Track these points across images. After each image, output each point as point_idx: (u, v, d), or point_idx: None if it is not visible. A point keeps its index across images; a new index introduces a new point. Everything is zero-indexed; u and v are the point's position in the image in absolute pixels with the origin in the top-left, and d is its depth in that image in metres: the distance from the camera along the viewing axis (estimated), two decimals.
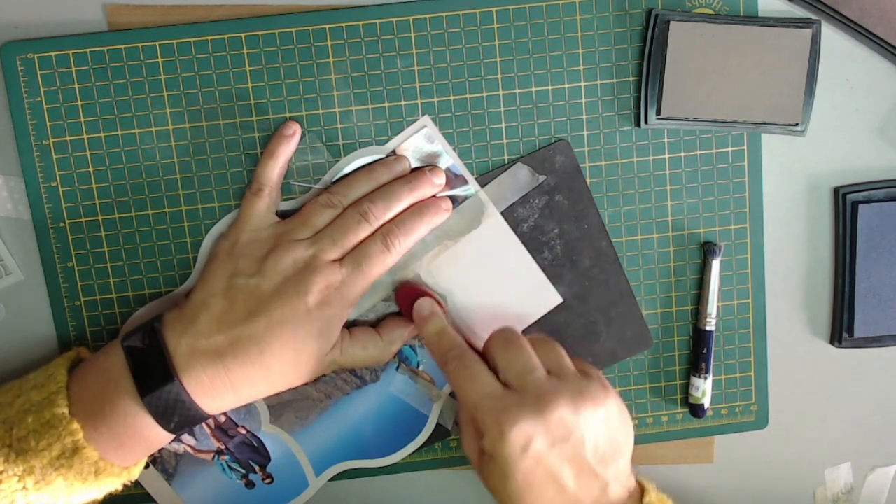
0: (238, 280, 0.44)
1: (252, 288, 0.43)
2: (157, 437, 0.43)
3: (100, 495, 0.43)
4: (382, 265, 0.45)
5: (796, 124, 0.48)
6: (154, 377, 0.42)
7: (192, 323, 0.43)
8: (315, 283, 0.43)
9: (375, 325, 0.48)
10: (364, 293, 0.45)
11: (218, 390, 0.42)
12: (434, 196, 0.47)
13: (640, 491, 0.43)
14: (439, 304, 0.47)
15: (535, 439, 0.40)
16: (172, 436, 0.43)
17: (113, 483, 0.43)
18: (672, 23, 0.46)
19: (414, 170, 0.47)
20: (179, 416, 0.42)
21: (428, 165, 0.47)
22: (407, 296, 0.48)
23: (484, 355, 0.45)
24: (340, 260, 0.44)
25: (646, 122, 0.47)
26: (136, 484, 0.48)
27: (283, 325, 0.42)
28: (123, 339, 0.43)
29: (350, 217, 0.45)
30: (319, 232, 0.45)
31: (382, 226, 0.45)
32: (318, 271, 0.43)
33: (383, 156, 0.47)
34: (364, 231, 0.45)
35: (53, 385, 0.42)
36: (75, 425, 0.41)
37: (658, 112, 0.47)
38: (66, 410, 0.41)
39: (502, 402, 0.42)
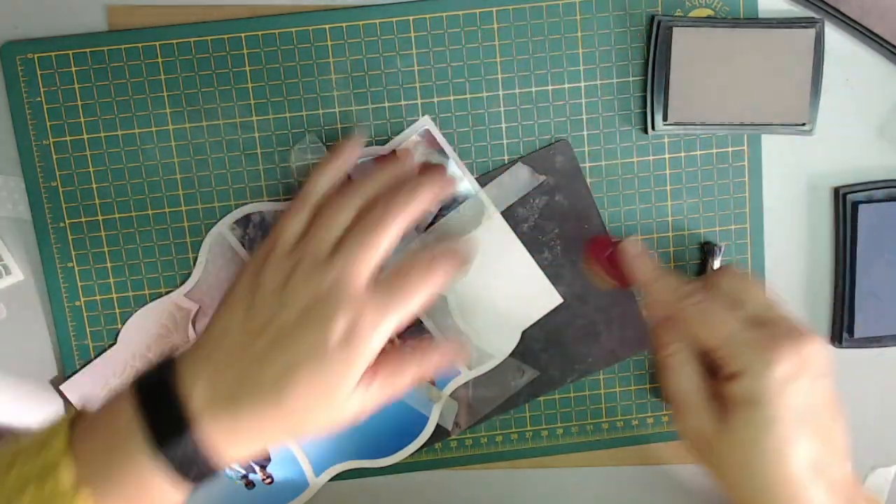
0: (258, 313, 0.39)
1: (273, 319, 0.38)
2: (172, 498, 0.38)
3: None
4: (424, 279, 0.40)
5: (804, 124, 0.48)
6: (169, 427, 0.37)
7: (206, 364, 0.38)
8: (340, 312, 0.38)
9: None
10: (399, 321, 0.39)
11: (240, 437, 0.38)
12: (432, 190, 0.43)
13: None
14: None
15: (798, 373, 0.38)
16: (185, 497, 0.38)
17: None
18: (675, 29, 0.46)
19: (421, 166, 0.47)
20: (199, 467, 0.37)
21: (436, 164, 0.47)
22: (600, 247, 0.46)
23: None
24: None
25: (653, 128, 0.47)
26: None
27: (306, 362, 0.38)
28: (132, 387, 0.38)
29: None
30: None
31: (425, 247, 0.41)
32: (343, 298, 0.38)
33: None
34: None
35: (55, 451, 0.37)
36: (84, 499, 0.36)
37: (665, 118, 0.47)
38: (72, 481, 0.36)
39: (755, 334, 0.38)
